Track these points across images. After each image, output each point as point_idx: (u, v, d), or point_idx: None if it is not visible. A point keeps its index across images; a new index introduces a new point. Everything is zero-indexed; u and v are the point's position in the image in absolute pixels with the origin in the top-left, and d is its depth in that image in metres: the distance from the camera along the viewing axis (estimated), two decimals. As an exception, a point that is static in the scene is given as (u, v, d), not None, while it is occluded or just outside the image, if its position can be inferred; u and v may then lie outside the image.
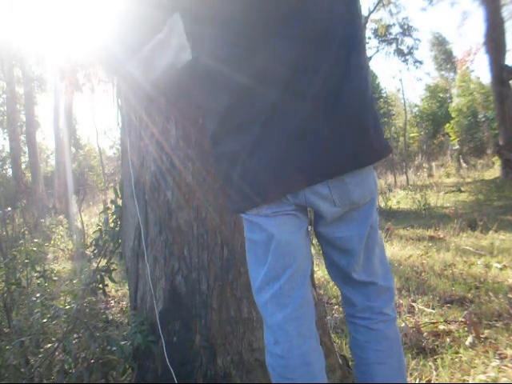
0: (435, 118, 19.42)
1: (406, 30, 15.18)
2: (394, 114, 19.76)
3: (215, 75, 1.03)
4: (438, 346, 1.88)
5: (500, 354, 1.76)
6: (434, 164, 13.78)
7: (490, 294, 2.46)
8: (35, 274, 2.22)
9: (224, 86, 1.00)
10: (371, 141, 0.99)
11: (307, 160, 0.95)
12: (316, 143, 0.94)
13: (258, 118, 0.96)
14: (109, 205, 2.06)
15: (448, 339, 1.93)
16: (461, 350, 1.79)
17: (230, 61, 1.00)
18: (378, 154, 1.02)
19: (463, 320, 2.08)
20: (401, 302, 2.50)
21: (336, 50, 0.97)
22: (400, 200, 8.06)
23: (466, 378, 1.59)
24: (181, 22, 1.08)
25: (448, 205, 7.03)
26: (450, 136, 16.85)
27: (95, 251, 1.76)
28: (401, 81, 35.66)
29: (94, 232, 1.84)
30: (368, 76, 1.06)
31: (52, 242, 5.83)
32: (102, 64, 1.36)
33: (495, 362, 1.67)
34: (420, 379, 1.61)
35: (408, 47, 15.46)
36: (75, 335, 1.65)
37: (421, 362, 1.73)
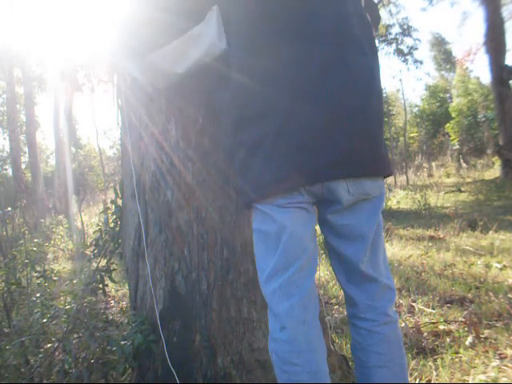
0: (435, 118, 19.42)
1: (406, 30, 15.16)
2: (393, 114, 19.76)
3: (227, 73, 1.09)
4: (438, 345, 1.88)
5: (500, 354, 1.76)
6: (434, 164, 13.79)
7: (490, 294, 2.46)
8: (35, 274, 2.22)
9: (249, 80, 1.05)
10: (385, 151, 1.10)
11: (335, 154, 0.99)
12: (343, 141, 0.99)
13: (278, 108, 1.00)
14: (109, 205, 2.06)
15: (448, 339, 1.93)
16: (461, 350, 1.79)
17: (254, 58, 1.05)
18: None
19: (463, 320, 2.08)
20: (401, 301, 2.50)
21: (362, 51, 1.05)
22: (400, 200, 8.06)
23: (465, 378, 1.59)
24: (219, 12, 1.11)
25: (448, 205, 7.03)
26: (450, 136, 16.85)
27: (95, 251, 1.76)
28: (401, 81, 35.63)
29: (94, 232, 1.84)
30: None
31: (52, 242, 5.83)
32: (106, 64, 1.35)
33: (495, 362, 1.67)
34: (420, 379, 1.61)
35: (408, 47, 15.45)
36: (75, 335, 1.65)
37: (421, 362, 1.73)
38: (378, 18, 1.34)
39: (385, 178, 1.13)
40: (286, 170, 0.99)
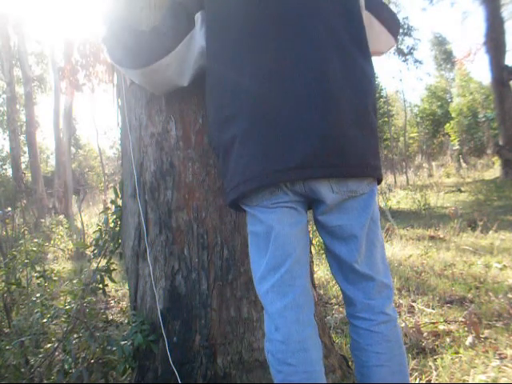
0: (435, 118, 19.43)
1: (406, 30, 15.17)
2: (393, 114, 19.76)
3: (212, 73, 1.10)
4: (438, 345, 1.88)
5: (500, 354, 1.75)
6: (434, 164, 13.79)
7: (490, 294, 2.46)
8: (35, 274, 2.22)
9: (220, 82, 1.07)
10: (375, 151, 1.07)
11: (309, 154, 0.97)
12: (321, 140, 0.98)
13: (253, 107, 1.00)
14: (109, 205, 2.06)
15: (448, 339, 1.93)
16: (461, 350, 1.79)
17: (224, 59, 1.06)
18: (378, 169, 1.08)
19: (463, 320, 2.08)
20: (401, 302, 2.50)
21: (343, 50, 1.04)
22: (400, 200, 8.06)
23: (465, 378, 1.59)
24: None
25: (448, 205, 7.02)
26: (450, 136, 16.86)
27: (95, 251, 1.76)
28: (401, 81, 35.68)
29: (94, 232, 1.84)
30: (373, 82, 1.12)
31: (52, 242, 5.83)
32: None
33: (495, 362, 1.67)
34: (420, 379, 1.61)
35: (408, 47, 15.46)
36: (75, 335, 1.65)
37: (421, 362, 1.73)
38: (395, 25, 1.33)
39: (378, 182, 1.12)
40: (258, 169, 0.99)
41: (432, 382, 1.60)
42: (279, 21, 1.02)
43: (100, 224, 1.91)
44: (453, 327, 2.06)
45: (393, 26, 1.32)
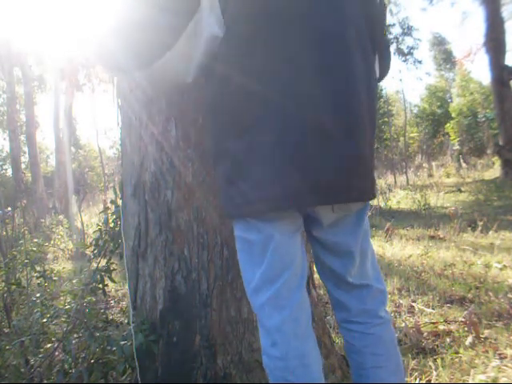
0: (435, 118, 19.44)
1: (406, 30, 15.16)
2: (393, 114, 19.77)
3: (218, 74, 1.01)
4: (438, 345, 1.87)
5: (500, 354, 1.75)
6: (434, 164, 13.78)
7: (490, 294, 2.46)
8: (35, 274, 2.22)
9: (240, 90, 0.96)
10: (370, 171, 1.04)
11: (333, 178, 0.93)
12: (338, 164, 0.94)
13: (277, 115, 0.92)
14: (109, 205, 2.06)
15: (448, 339, 1.93)
16: (461, 350, 1.79)
17: (231, 60, 0.97)
18: (373, 190, 1.05)
19: (463, 320, 2.08)
20: (401, 302, 2.50)
21: (363, 58, 0.98)
22: (400, 200, 8.06)
23: (465, 378, 1.59)
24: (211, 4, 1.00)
25: (448, 205, 7.02)
26: (450, 136, 16.87)
27: (95, 251, 1.76)
28: (401, 81, 35.71)
29: (94, 232, 1.84)
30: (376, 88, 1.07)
31: (52, 242, 5.83)
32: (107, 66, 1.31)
33: (495, 362, 1.67)
34: (420, 379, 1.61)
35: (408, 47, 15.44)
36: (75, 335, 1.65)
37: (421, 362, 1.73)
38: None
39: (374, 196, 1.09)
40: (279, 191, 0.92)
41: (432, 382, 1.60)
42: (305, 21, 0.94)
43: (100, 224, 1.91)
44: (453, 327, 2.06)
45: (384, 72, 1.25)
